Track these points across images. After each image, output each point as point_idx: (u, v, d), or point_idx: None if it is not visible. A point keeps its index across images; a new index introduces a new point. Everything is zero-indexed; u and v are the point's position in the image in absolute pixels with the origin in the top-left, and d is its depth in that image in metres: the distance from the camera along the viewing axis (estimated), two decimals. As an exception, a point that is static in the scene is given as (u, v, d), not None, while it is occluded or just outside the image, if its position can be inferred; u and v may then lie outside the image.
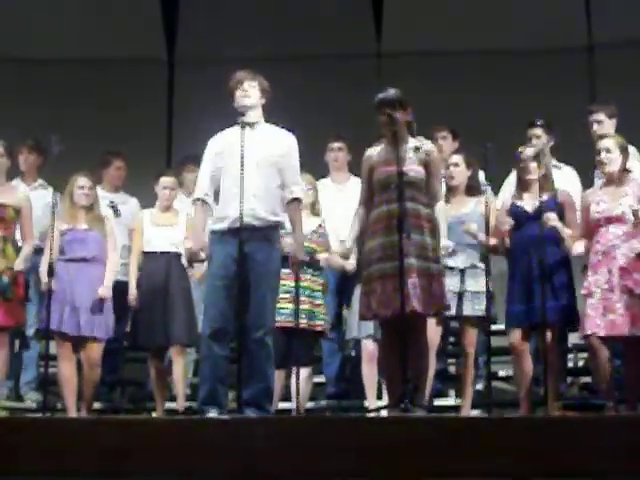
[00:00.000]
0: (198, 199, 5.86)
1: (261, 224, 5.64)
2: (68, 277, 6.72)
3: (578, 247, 6.08)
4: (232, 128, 5.84)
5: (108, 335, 6.84)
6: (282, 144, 5.81)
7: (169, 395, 7.29)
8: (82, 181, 6.90)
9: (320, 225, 6.87)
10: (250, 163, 5.56)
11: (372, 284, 5.54)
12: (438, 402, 6.95)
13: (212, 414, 5.46)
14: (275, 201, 5.75)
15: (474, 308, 6.31)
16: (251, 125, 5.75)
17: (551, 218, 6.05)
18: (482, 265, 6.30)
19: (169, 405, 7.21)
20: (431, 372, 6.03)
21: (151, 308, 6.92)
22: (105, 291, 6.74)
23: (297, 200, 5.83)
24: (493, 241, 6.27)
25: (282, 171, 5.77)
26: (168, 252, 7.01)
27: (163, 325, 6.87)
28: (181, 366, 6.96)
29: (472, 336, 6.40)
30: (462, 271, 6.34)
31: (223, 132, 5.91)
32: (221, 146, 5.81)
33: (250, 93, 5.79)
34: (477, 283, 6.31)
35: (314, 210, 6.90)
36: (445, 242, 5.71)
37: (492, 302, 6.26)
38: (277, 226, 5.77)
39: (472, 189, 6.55)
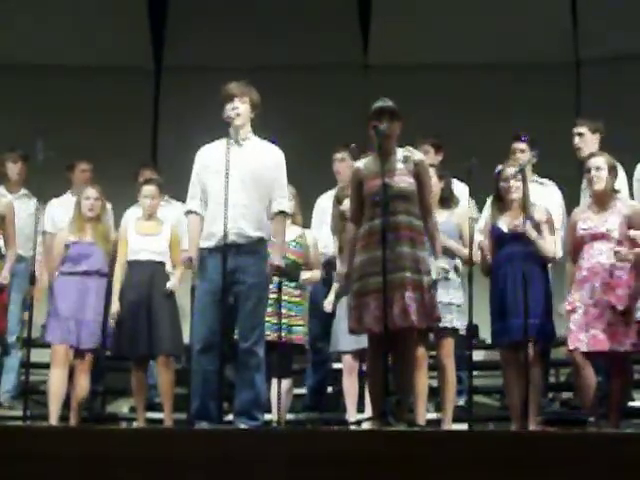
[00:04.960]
0: (190, 211, 5.89)
1: (247, 241, 5.69)
2: (74, 291, 6.77)
3: (558, 250, 6.15)
4: (219, 141, 5.85)
5: (96, 344, 6.86)
6: (269, 160, 5.84)
7: (149, 404, 7.26)
8: (89, 192, 6.99)
9: (300, 236, 6.88)
10: (236, 180, 5.60)
11: (365, 298, 5.49)
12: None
13: (203, 426, 5.53)
14: (261, 216, 5.79)
15: (445, 320, 6.24)
16: (239, 142, 5.78)
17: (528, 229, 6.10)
18: (454, 276, 6.32)
19: (152, 415, 7.18)
20: (425, 388, 6.11)
21: (135, 317, 6.85)
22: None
23: (283, 213, 5.88)
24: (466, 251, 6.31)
25: (269, 186, 5.80)
26: (152, 261, 6.97)
27: (147, 335, 6.81)
28: (167, 377, 6.86)
29: (448, 348, 6.36)
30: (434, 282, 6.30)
31: (211, 145, 5.92)
32: (207, 162, 5.83)
33: (240, 110, 5.79)
34: (448, 294, 6.27)
35: (295, 220, 6.88)
36: (442, 264, 5.74)
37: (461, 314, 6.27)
38: (262, 239, 5.79)
39: (445, 201, 6.53)
